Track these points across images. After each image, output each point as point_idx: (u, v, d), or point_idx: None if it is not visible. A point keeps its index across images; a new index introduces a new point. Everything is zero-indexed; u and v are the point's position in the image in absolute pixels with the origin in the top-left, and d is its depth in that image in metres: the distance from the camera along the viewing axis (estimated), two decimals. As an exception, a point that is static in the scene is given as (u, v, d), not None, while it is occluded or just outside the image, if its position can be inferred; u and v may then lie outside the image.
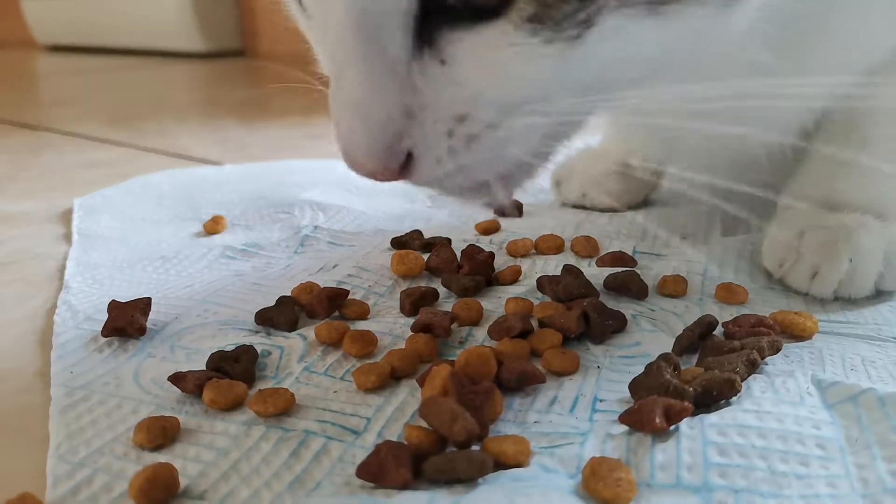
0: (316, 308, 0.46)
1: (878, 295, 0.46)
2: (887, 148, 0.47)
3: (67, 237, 0.64)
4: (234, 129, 1.15)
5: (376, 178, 0.33)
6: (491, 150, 0.32)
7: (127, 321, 0.43)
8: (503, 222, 0.62)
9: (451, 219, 0.65)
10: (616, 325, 0.43)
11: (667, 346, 0.40)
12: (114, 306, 0.44)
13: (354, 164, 0.32)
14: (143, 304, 0.45)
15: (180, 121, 1.27)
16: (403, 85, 0.30)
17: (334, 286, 0.48)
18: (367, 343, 0.41)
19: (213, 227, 0.63)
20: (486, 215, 0.64)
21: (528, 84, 0.30)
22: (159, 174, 0.82)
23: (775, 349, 0.38)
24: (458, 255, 0.52)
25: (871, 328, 0.42)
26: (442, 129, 0.31)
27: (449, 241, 0.56)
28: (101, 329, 0.43)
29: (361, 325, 0.44)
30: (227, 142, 1.08)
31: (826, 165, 0.49)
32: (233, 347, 0.41)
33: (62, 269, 0.56)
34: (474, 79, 0.30)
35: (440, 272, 0.51)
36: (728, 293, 0.46)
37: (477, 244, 0.54)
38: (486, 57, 0.30)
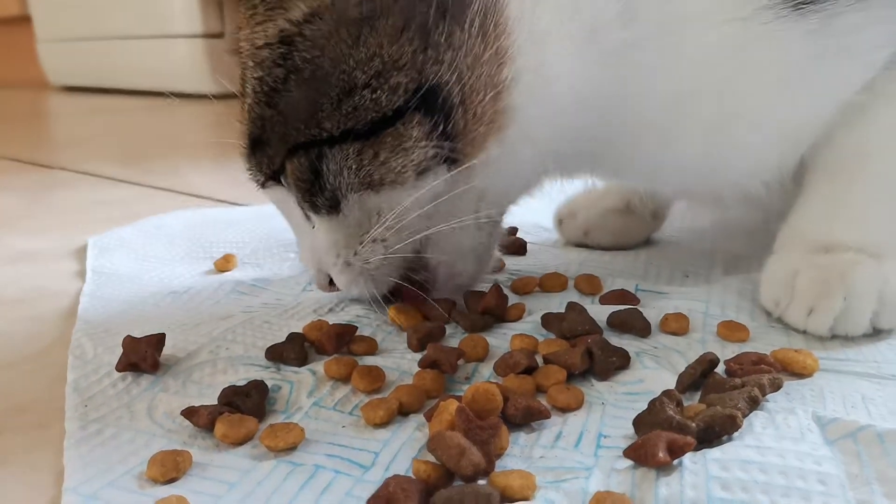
0: (325, 344, 0.47)
1: (877, 333, 0.46)
2: (877, 187, 0.49)
3: (81, 274, 0.65)
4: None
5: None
6: (360, 274, 0.48)
7: (141, 356, 0.44)
8: (508, 260, 0.63)
9: (458, 257, 0.66)
10: (620, 361, 0.43)
11: (670, 382, 0.41)
12: (128, 342, 0.45)
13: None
14: (157, 340, 0.46)
15: (192, 161, 1.30)
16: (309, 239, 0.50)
17: (343, 322, 0.49)
18: (376, 378, 0.42)
19: (224, 265, 0.65)
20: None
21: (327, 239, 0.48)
22: (171, 213, 0.83)
23: (776, 386, 0.39)
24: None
25: (871, 366, 0.43)
26: (330, 260, 0.48)
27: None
28: (115, 364, 0.44)
29: (370, 361, 0.45)
30: (237, 182, 1.09)
31: (819, 204, 0.50)
32: (244, 382, 0.42)
33: (76, 305, 0.57)
34: (324, 237, 0.48)
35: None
36: (730, 331, 0.47)
37: (481, 282, 0.55)
38: (323, 227, 0.47)
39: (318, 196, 0.45)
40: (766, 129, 0.48)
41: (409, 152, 0.42)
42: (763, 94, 0.47)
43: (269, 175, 0.48)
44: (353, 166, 0.43)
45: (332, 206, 0.46)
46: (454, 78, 0.42)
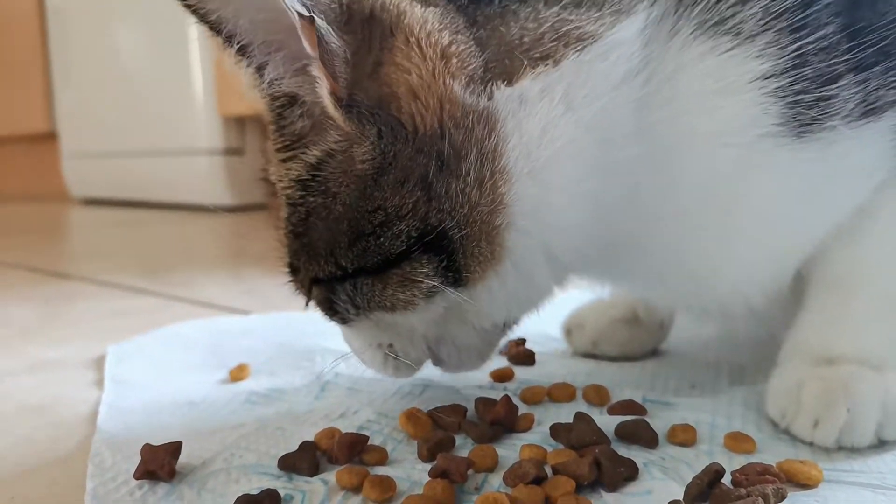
0: (337, 454, 0.47)
1: (882, 444, 0.47)
2: (875, 300, 0.50)
3: (100, 383, 0.67)
4: (260, 280, 1.20)
5: None
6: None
7: (158, 465, 0.45)
8: (517, 370, 0.65)
9: (467, 367, 0.68)
10: (628, 472, 0.44)
11: (677, 493, 0.42)
12: (146, 450, 0.46)
13: None
14: (174, 448, 0.47)
15: (208, 271, 1.33)
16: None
17: (354, 431, 0.50)
18: (387, 488, 0.43)
19: (238, 374, 0.66)
20: (500, 363, 0.67)
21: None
22: (188, 323, 0.85)
23: (780, 497, 0.39)
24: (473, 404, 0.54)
25: (876, 476, 0.43)
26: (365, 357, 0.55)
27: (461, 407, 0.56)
28: (132, 472, 0.45)
29: (381, 471, 0.46)
30: (252, 292, 1.12)
31: (819, 318, 0.52)
32: (257, 491, 0.43)
33: (95, 413, 0.59)
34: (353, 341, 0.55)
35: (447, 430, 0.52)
36: (736, 442, 0.48)
37: (491, 391, 0.56)
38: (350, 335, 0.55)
39: (336, 316, 0.50)
40: (762, 246, 0.50)
41: (416, 285, 0.46)
42: (761, 214, 0.49)
43: (308, 300, 0.52)
44: (364, 296, 0.47)
45: (348, 322, 0.50)
46: (454, 223, 0.44)
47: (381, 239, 0.45)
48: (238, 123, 2.24)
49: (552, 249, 0.47)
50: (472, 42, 0.44)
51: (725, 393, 0.57)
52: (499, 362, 0.68)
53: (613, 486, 0.43)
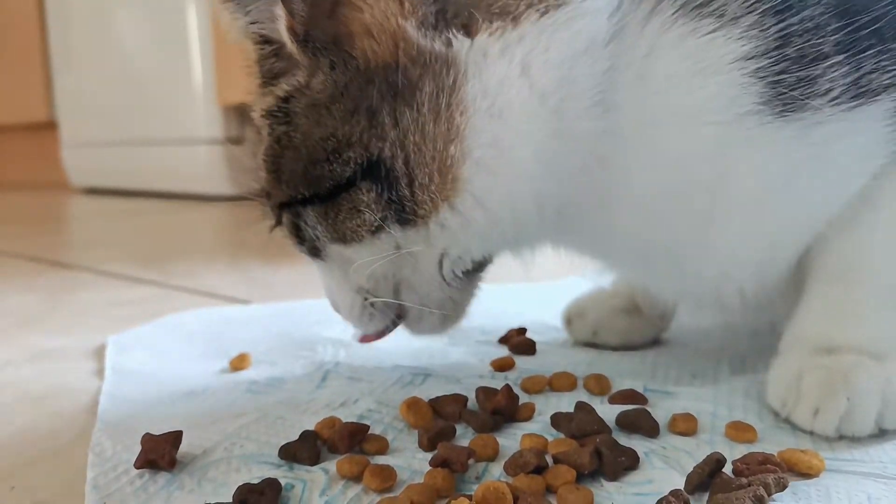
0: (337, 443, 0.48)
1: (883, 433, 0.47)
2: (875, 290, 0.50)
3: (100, 372, 0.67)
4: (260, 269, 1.20)
5: None
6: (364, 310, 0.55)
7: (159, 454, 0.45)
8: (518, 360, 0.65)
9: (467, 356, 0.68)
10: (628, 461, 0.44)
11: (678, 483, 0.42)
12: (147, 439, 0.46)
13: None
14: (174, 438, 0.47)
15: (208, 261, 1.33)
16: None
17: (355, 420, 0.50)
18: (387, 477, 0.43)
19: (239, 363, 0.66)
20: (501, 353, 0.67)
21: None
22: (189, 313, 0.85)
23: (782, 486, 0.39)
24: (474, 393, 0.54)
25: (877, 466, 0.43)
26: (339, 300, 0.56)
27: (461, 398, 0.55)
28: (133, 461, 0.45)
29: (381, 460, 0.46)
30: (253, 281, 1.12)
31: (819, 308, 0.52)
32: (258, 480, 0.43)
33: (96, 402, 0.59)
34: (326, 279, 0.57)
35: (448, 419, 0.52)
36: (737, 431, 0.48)
37: (491, 381, 0.56)
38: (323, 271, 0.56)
39: (303, 245, 0.53)
40: (750, 229, 0.50)
41: (361, 214, 0.48)
42: (745, 194, 0.49)
43: (275, 225, 0.54)
44: (321, 224, 0.50)
45: (316, 255, 0.52)
46: (399, 152, 0.47)
47: (333, 164, 0.48)
48: (238, 113, 2.23)
49: (514, 191, 0.48)
50: None
51: (726, 382, 0.57)
52: (499, 352, 0.68)
53: (614, 476, 0.43)
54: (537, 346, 0.69)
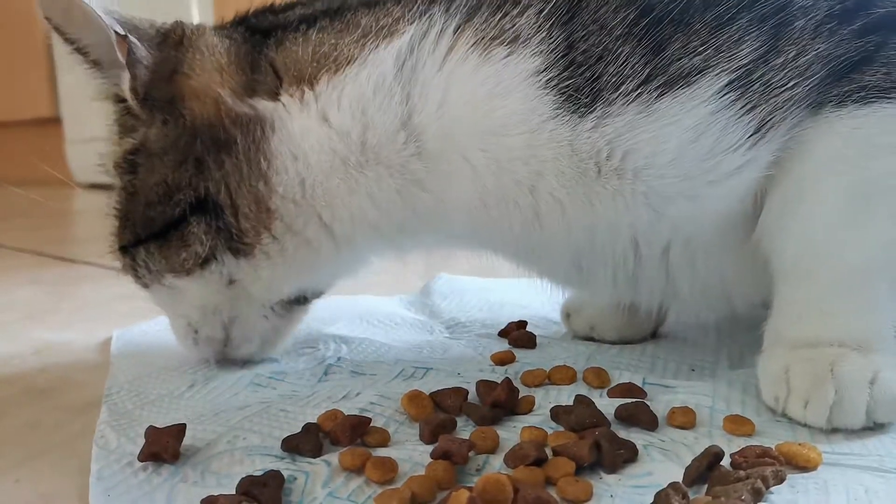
0: (339, 436, 0.48)
1: (880, 427, 0.47)
2: (833, 282, 0.50)
3: (105, 366, 0.67)
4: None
5: None
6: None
7: (162, 447, 0.46)
8: (518, 353, 0.65)
9: (468, 350, 0.68)
10: (627, 454, 0.44)
11: (677, 475, 0.42)
12: (151, 432, 0.47)
13: None
14: (178, 431, 0.47)
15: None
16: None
17: (357, 413, 0.51)
18: (389, 469, 0.43)
19: (242, 357, 0.67)
20: (502, 346, 0.67)
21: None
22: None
23: (780, 479, 0.40)
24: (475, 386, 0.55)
25: (875, 459, 0.43)
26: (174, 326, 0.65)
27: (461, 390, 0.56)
28: (137, 454, 0.46)
29: (383, 452, 0.46)
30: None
31: (788, 307, 0.52)
32: (261, 472, 0.43)
33: (100, 395, 0.59)
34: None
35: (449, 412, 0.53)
36: (735, 425, 0.48)
37: (492, 374, 0.56)
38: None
39: (138, 280, 0.61)
40: (567, 220, 0.54)
41: (190, 247, 0.57)
42: (558, 190, 0.53)
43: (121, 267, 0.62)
44: (156, 259, 0.58)
45: (146, 287, 0.61)
46: (223, 188, 0.56)
47: (165, 207, 0.56)
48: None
49: (325, 219, 0.57)
50: (247, 65, 0.57)
51: (725, 376, 0.58)
52: (500, 345, 0.68)
53: (613, 468, 0.43)
54: (537, 340, 0.69)
